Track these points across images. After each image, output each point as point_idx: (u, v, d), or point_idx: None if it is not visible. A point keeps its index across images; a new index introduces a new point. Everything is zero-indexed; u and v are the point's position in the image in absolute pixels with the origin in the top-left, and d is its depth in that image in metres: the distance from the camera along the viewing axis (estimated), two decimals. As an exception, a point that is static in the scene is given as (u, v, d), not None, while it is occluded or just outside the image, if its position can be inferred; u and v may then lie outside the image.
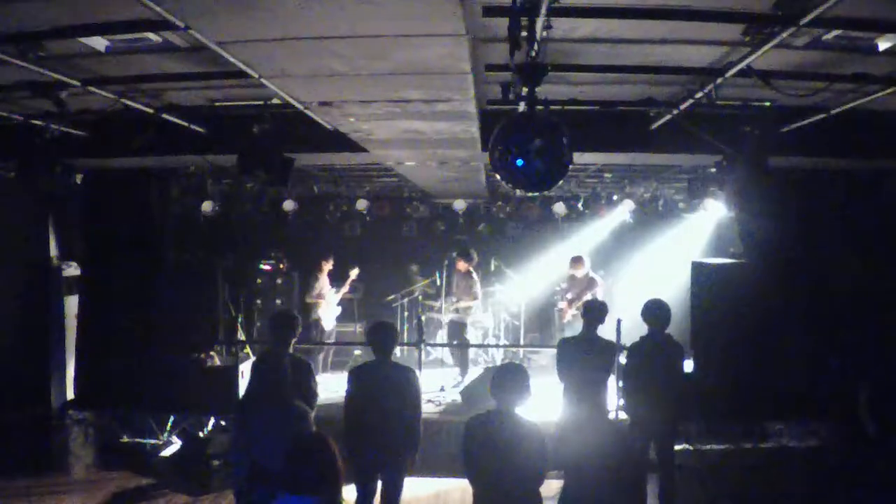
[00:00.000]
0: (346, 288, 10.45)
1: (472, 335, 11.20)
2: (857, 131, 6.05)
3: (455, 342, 9.92)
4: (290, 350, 5.28)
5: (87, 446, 7.49)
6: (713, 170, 6.57)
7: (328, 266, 10.23)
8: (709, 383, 7.49)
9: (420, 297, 11.53)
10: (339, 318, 10.63)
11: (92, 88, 5.03)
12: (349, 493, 4.62)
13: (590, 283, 9.63)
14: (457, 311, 9.86)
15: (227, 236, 10.81)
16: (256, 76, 4.26)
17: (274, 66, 4.11)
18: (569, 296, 9.93)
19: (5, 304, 7.78)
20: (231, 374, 7.82)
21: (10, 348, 7.70)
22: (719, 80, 4.79)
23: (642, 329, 5.97)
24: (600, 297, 8.92)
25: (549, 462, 3.97)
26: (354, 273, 10.46)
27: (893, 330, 7.31)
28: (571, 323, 9.63)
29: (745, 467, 7.56)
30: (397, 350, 11.38)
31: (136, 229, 7.98)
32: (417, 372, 7.75)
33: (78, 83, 4.89)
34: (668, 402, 5.77)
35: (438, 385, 9.36)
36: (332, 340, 10.31)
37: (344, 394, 5.05)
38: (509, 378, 4.05)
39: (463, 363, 9.75)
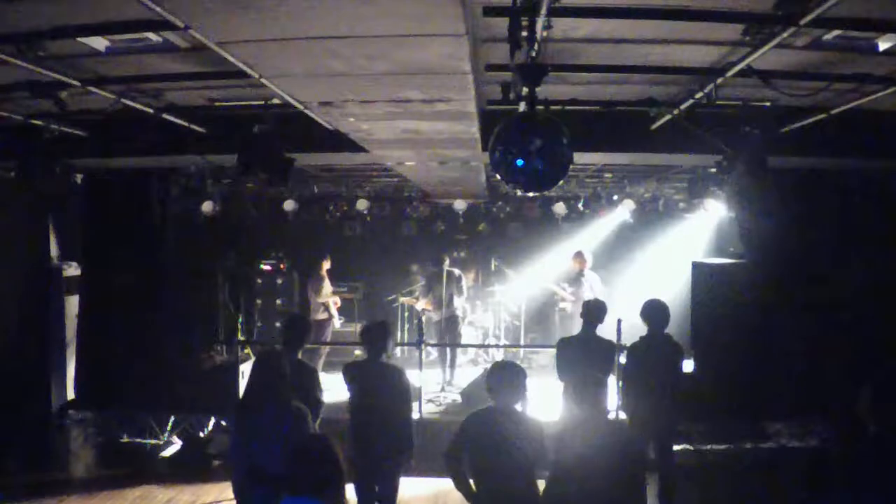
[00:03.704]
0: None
1: (473, 335, 11.25)
2: (857, 131, 6.04)
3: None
4: (299, 355, 5.25)
5: (87, 446, 7.49)
6: (713, 170, 6.56)
7: (327, 265, 10.29)
8: (709, 383, 7.49)
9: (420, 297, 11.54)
10: (339, 317, 10.70)
11: (92, 88, 5.02)
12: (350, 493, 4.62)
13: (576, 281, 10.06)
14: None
15: (227, 236, 10.81)
16: (256, 76, 4.25)
17: (274, 66, 4.11)
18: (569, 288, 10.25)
19: (5, 304, 7.78)
20: (231, 374, 7.83)
21: (10, 348, 7.70)
22: (719, 80, 4.78)
23: (642, 329, 5.96)
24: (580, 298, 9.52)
25: (546, 460, 3.97)
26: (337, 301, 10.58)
27: (894, 329, 7.31)
28: (571, 318, 9.83)
29: (745, 467, 7.55)
30: (397, 350, 11.44)
31: (136, 229, 7.99)
32: (418, 372, 7.83)
33: (78, 83, 4.88)
34: (667, 401, 5.76)
35: (438, 386, 9.40)
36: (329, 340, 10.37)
37: (344, 392, 5.06)
38: (501, 376, 4.07)
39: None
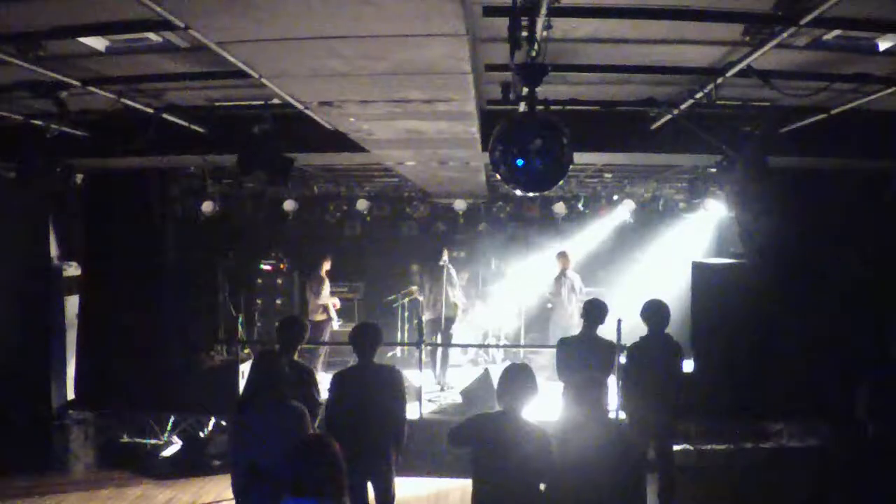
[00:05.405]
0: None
1: (473, 335, 11.26)
2: (857, 131, 6.04)
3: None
4: (295, 356, 5.26)
5: (87, 446, 7.49)
6: (713, 170, 6.56)
7: (327, 265, 10.30)
8: (709, 383, 7.49)
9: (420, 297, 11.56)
10: (339, 318, 10.70)
11: (92, 88, 5.02)
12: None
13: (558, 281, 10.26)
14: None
15: (227, 236, 10.81)
16: (256, 76, 4.26)
17: (274, 66, 4.11)
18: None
19: (5, 304, 7.78)
20: (231, 374, 7.83)
21: (10, 348, 7.71)
22: (719, 80, 4.78)
23: (642, 329, 5.96)
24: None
25: (551, 466, 3.95)
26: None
27: (893, 329, 7.31)
28: (569, 318, 9.87)
29: (745, 467, 7.56)
30: (397, 350, 11.45)
31: (136, 229, 7.99)
32: (418, 372, 7.83)
33: (78, 83, 4.88)
34: (667, 401, 5.77)
35: (437, 386, 9.40)
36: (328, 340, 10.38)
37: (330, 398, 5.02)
38: (514, 378, 4.07)
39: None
